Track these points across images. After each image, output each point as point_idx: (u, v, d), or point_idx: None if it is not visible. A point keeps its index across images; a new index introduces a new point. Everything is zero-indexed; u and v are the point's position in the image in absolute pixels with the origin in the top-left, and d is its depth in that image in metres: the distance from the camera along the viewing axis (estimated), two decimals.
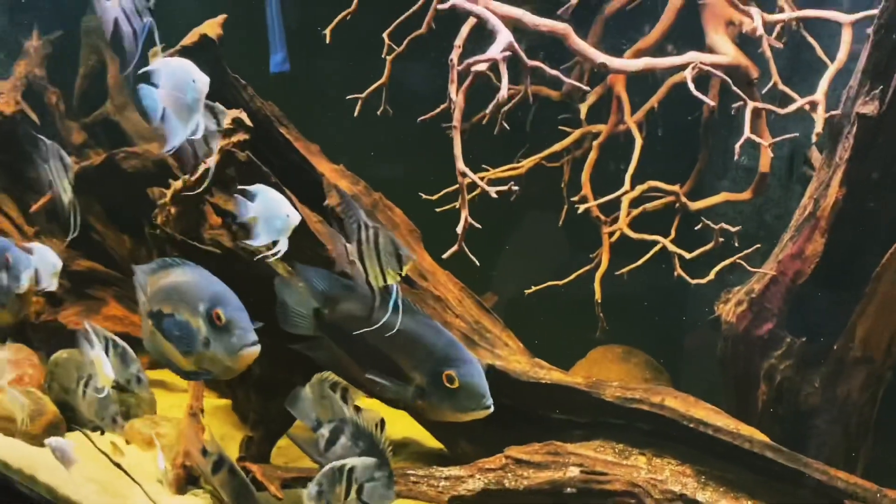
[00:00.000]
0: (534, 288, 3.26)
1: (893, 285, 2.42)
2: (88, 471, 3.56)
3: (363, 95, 3.07)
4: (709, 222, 2.73)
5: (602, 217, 3.00)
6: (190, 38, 3.27)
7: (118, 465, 3.38)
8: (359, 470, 2.48)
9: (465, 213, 2.26)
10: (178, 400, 4.05)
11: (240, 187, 2.50)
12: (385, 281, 2.33)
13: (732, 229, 2.74)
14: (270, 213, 2.46)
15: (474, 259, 2.42)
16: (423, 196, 3.06)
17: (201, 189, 3.12)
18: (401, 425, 3.64)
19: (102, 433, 3.33)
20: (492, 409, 2.30)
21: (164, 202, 3.37)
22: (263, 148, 3.20)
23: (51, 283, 3.18)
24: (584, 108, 2.97)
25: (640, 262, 3.00)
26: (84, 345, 2.89)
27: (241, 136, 3.09)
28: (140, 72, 2.38)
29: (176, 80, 2.34)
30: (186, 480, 3.45)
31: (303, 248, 3.10)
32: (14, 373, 4.03)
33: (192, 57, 3.21)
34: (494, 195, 2.21)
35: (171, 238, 3.31)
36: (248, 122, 3.12)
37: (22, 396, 3.17)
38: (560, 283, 3.20)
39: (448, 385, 2.29)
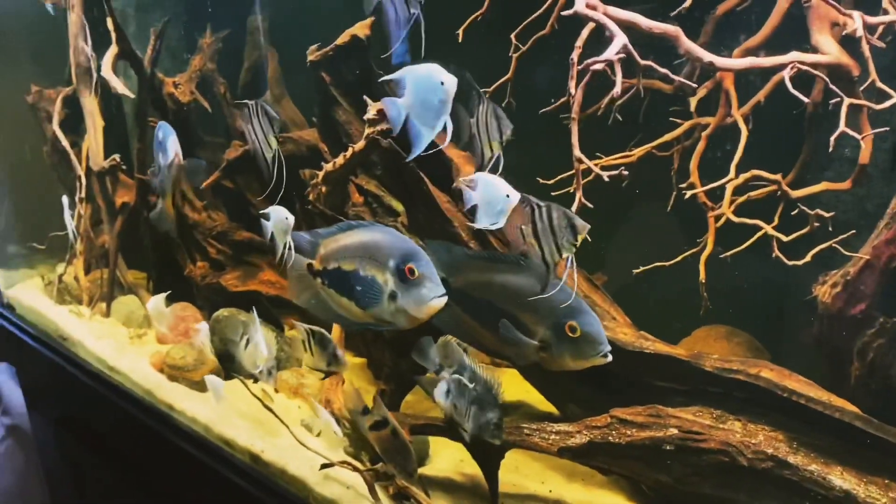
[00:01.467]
0: (642, 269, 3.54)
1: None
2: (241, 413, 4.10)
3: (491, 89, 3.41)
4: (805, 207, 2.95)
5: (708, 203, 3.23)
6: (342, 39, 3.70)
7: (269, 408, 3.88)
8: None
9: (579, 195, 2.57)
10: None
11: (461, 179, 2.64)
12: (561, 255, 2.47)
13: (826, 215, 2.94)
14: (491, 197, 2.54)
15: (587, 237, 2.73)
16: (541, 180, 3.36)
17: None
18: (515, 390, 3.99)
19: (256, 382, 3.70)
20: (610, 357, 2.56)
21: (316, 182, 3.83)
22: (401, 135, 3.59)
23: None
24: (693, 102, 3.20)
25: (744, 246, 3.21)
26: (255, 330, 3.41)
27: (384, 126, 3.48)
28: (382, 80, 2.48)
29: (422, 85, 2.38)
30: None
31: (433, 225, 3.48)
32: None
33: (344, 55, 3.69)
34: (606, 179, 2.51)
35: (322, 213, 3.76)
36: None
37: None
38: (666, 263, 3.45)
39: (570, 335, 2.54)
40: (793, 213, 3.00)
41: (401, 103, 2.46)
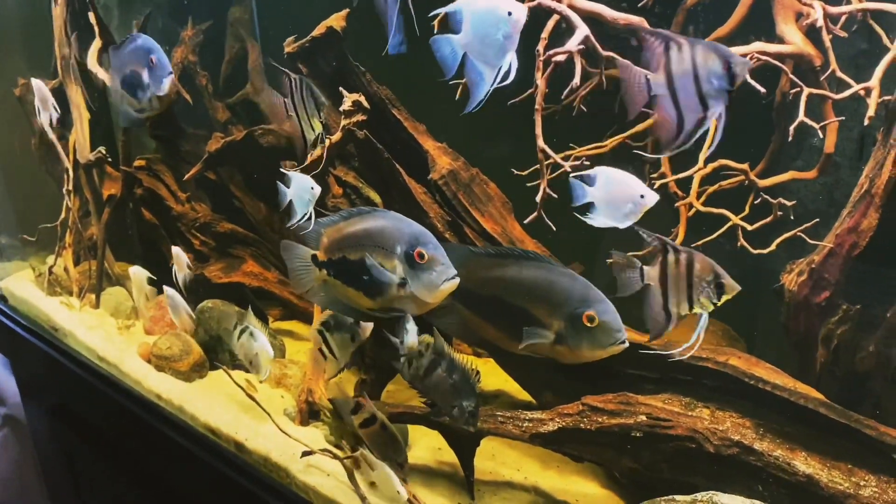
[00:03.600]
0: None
1: None
2: (225, 403, 4.15)
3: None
4: (768, 197, 2.97)
5: (679, 192, 3.25)
6: (318, 30, 3.71)
7: (252, 398, 3.92)
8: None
9: (543, 185, 2.60)
10: (303, 346, 4.60)
11: (574, 174, 2.39)
12: (691, 310, 2.31)
13: (788, 204, 2.96)
14: (614, 196, 2.34)
15: (552, 225, 2.76)
16: (515, 172, 3.38)
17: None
18: (495, 379, 4.04)
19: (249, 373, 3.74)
20: (626, 343, 2.46)
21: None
22: (379, 127, 3.63)
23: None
24: None
25: (713, 237, 3.23)
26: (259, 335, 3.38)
27: (359, 117, 3.51)
28: (434, 14, 2.18)
29: (485, 17, 2.04)
30: (309, 414, 3.97)
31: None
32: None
33: (320, 47, 3.70)
34: (569, 169, 2.54)
35: None
36: (365, 104, 3.54)
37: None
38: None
39: (588, 325, 2.41)
40: (756, 202, 3.02)
41: (456, 40, 2.14)
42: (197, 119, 5.06)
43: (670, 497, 2.74)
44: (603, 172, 2.32)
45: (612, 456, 3.14)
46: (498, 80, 2.12)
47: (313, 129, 3.15)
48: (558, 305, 2.47)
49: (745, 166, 3.04)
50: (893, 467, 2.68)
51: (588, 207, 2.38)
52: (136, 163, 4.86)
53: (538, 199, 2.59)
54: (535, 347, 2.53)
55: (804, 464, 2.79)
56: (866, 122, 2.55)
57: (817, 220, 2.91)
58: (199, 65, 5.18)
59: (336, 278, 2.65)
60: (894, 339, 2.83)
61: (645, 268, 2.44)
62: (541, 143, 2.57)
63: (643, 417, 3.07)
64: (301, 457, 3.49)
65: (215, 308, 4.50)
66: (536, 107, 2.60)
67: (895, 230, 2.73)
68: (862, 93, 2.57)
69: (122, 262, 5.33)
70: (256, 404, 3.88)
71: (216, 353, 4.50)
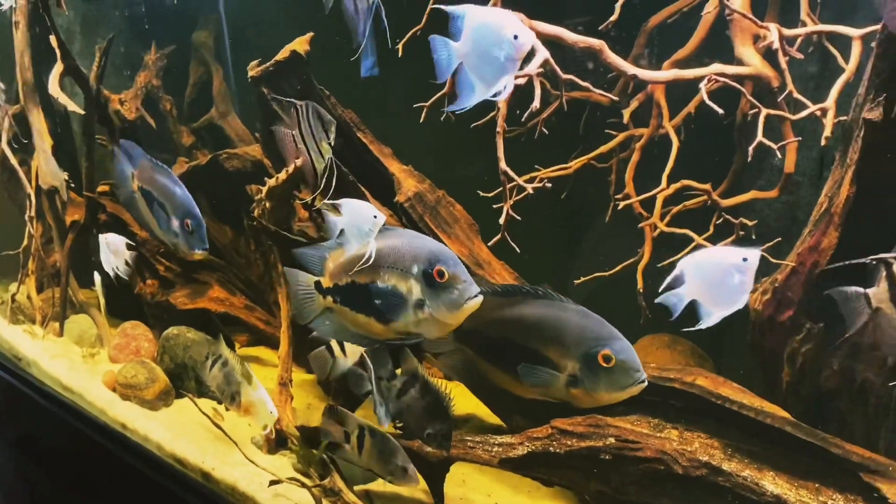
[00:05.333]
0: (582, 279, 3.56)
1: None
2: (192, 432, 4.08)
3: (428, 104, 3.43)
4: (729, 217, 2.99)
5: (644, 213, 3.26)
6: (282, 54, 3.70)
7: (219, 426, 3.86)
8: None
9: (507, 207, 2.59)
10: (270, 373, 4.52)
11: (326, 203, 2.41)
12: None
13: (750, 223, 2.98)
14: (356, 219, 2.34)
15: (516, 248, 2.76)
16: (481, 193, 3.38)
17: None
18: (464, 403, 4.00)
19: (221, 404, 3.64)
20: (645, 383, 2.24)
21: (261, 197, 3.83)
22: (344, 150, 3.61)
23: None
24: (626, 114, 3.24)
25: (678, 257, 3.23)
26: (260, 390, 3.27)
27: None
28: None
29: (487, 33, 1.92)
30: (277, 442, 3.90)
31: None
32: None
33: (284, 70, 3.68)
34: (531, 190, 2.53)
35: (266, 229, 3.76)
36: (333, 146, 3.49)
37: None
38: (606, 273, 3.48)
39: (604, 365, 2.20)
40: (718, 221, 3.04)
41: (454, 48, 1.98)
42: (161, 143, 5.01)
43: None
44: (347, 203, 2.33)
45: (581, 479, 3.12)
46: (489, 96, 2.03)
47: (322, 157, 3.00)
48: (572, 345, 2.28)
49: (707, 186, 3.06)
50: (860, 485, 2.68)
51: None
52: (100, 188, 4.79)
53: (501, 221, 2.58)
54: (549, 391, 2.35)
55: (772, 483, 2.79)
56: (823, 142, 2.57)
57: (779, 239, 2.93)
58: (164, 89, 5.14)
59: (344, 305, 2.47)
60: (858, 357, 2.84)
61: (868, 291, 2.26)
62: (503, 165, 2.56)
63: (612, 440, 3.05)
64: (269, 486, 3.43)
65: (181, 335, 4.43)
66: (498, 129, 2.59)
67: (855, 248, 2.75)
68: (818, 113, 2.60)
69: (86, 288, 5.23)
70: (223, 433, 3.81)
71: (182, 381, 4.42)
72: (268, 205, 3.83)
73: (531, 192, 2.51)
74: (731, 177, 3.30)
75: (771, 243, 2.89)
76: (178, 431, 4.10)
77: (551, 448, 3.14)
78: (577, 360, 2.25)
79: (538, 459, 3.15)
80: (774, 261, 2.91)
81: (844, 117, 2.69)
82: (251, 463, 3.61)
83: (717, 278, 2.12)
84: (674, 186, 3.02)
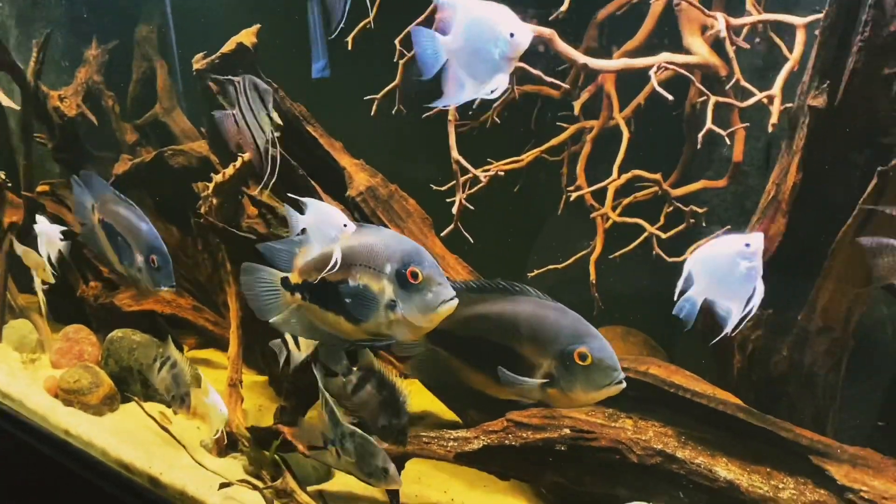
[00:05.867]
0: (536, 272, 3.56)
1: (847, 261, 2.64)
2: (139, 437, 3.96)
3: (378, 96, 3.39)
4: (680, 205, 3.02)
5: (595, 204, 3.27)
6: (227, 47, 3.63)
7: (166, 430, 3.76)
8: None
9: (459, 197, 2.57)
10: (221, 375, 4.42)
11: (289, 197, 2.32)
12: None
13: (700, 211, 3.02)
14: (323, 223, 2.28)
15: (469, 238, 2.73)
16: (434, 187, 3.35)
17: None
18: (419, 399, 3.96)
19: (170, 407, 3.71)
20: (624, 384, 2.18)
21: (207, 194, 3.74)
22: (293, 144, 3.55)
23: None
24: (577, 106, 3.25)
25: (630, 248, 3.26)
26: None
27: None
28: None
29: (481, 29, 1.79)
30: (227, 445, 3.82)
31: None
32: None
33: (230, 63, 3.61)
34: (483, 179, 2.51)
35: (214, 226, 3.67)
36: (279, 121, 3.44)
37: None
38: (559, 266, 3.49)
39: (580, 363, 2.14)
40: (668, 210, 3.06)
41: (442, 43, 1.86)
42: (103, 141, 4.87)
43: None
44: (313, 203, 2.28)
45: (537, 472, 3.10)
46: (481, 94, 1.92)
47: (264, 132, 2.80)
48: (547, 343, 2.20)
49: (657, 176, 3.08)
50: (809, 468, 2.72)
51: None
52: (40, 188, 4.64)
53: (454, 210, 2.55)
54: (524, 392, 2.28)
55: (725, 469, 2.82)
56: (770, 128, 2.60)
57: (728, 227, 2.96)
58: (106, 85, 5.00)
59: (312, 302, 2.36)
60: (806, 342, 2.88)
61: None
62: (455, 154, 2.53)
63: (567, 431, 3.05)
64: (219, 489, 3.34)
65: (126, 338, 4.31)
66: (450, 118, 2.56)
67: (802, 235, 2.79)
68: (765, 101, 2.63)
69: (25, 293, 5.05)
70: (171, 436, 3.71)
71: (128, 384, 4.29)
72: (215, 201, 3.75)
73: (484, 181, 2.48)
74: (681, 167, 3.32)
75: (720, 231, 2.93)
76: (124, 436, 3.98)
77: (507, 441, 3.12)
78: (553, 357, 2.19)
79: (494, 453, 3.12)
80: None
81: (790, 105, 2.73)
82: (200, 466, 3.53)
83: (726, 269, 2.10)
84: (625, 176, 3.04)
